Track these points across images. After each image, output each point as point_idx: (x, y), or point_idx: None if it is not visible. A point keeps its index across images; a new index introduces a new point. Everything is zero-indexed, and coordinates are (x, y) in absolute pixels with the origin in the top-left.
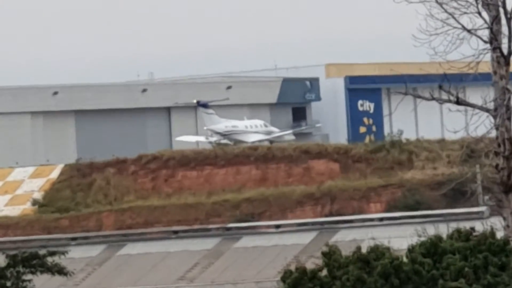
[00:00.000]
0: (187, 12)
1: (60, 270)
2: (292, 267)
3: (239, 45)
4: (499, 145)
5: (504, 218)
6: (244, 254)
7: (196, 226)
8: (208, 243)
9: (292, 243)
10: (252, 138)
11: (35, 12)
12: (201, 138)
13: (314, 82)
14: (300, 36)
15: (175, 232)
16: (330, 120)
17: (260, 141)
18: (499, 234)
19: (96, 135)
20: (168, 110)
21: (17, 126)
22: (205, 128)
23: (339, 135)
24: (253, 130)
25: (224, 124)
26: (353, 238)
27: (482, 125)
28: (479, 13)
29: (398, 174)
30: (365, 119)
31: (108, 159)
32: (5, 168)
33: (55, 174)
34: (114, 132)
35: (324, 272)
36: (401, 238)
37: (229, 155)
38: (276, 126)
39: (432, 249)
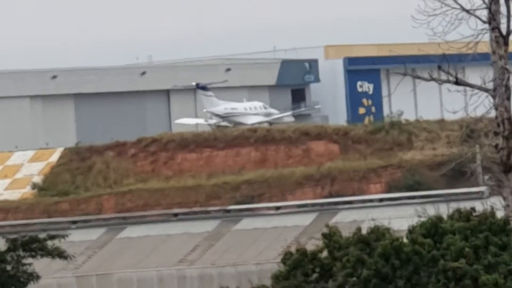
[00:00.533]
0: None
1: (60, 254)
2: (292, 249)
3: (238, 27)
4: (498, 125)
5: (504, 198)
6: (244, 236)
7: (196, 209)
8: (208, 225)
9: (292, 225)
10: (251, 120)
11: None
12: (201, 121)
13: (313, 63)
14: (299, 18)
15: (175, 214)
16: (329, 101)
17: (259, 123)
18: (499, 214)
19: (95, 119)
20: (167, 92)
21: (16, 110)
22: (204, 110)
23: (338, 117)
24: (253, 112)
25: (223, 106)
26: (353, 219)
27: (482, 105)
28: None
29: (398, 154)
30: (365, 100)
31: (107, 142)
32: (5, 152)
33: (54, 157)
34: (114, 115)
35: (325, 254)
36: (401, 218)
37: (228, 137)
38: (275, 108)
39: (432, 229)
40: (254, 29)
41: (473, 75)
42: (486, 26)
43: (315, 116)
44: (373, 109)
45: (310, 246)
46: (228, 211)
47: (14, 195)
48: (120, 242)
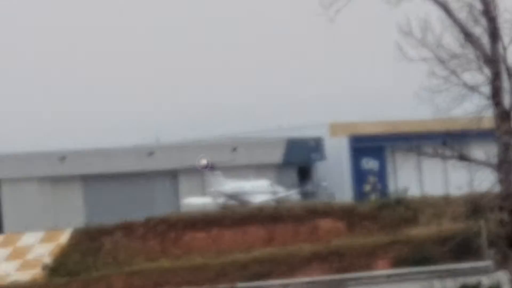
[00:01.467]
0: (179, 72)
1: None
2: None
3: (242, 105)
4: (503, 200)
5: (510, 272)
6: None
7: (205, 287)
8: None
9: None
10: (258, 198)
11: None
12: (208, 200)
13: (318, 141)
14: (302, 95)
15: None
16: (335, 178)
17: (266, 201)
18: None
19: (104, 199)
20: (175, 172)
21: (24, 191)
22: (211, 189)
23: (344, 194)
24: (259, 190)
25: (231, 185)
26: None
27: (486, 180)
28: (481, 70)
29: (404, 230)
30: (370, 177)
31: (116, 222)
32: (14, 233)
33: (64, 238)
34: (122, 196)
35: None
36: None
37: (236, 216)
38: (282, 186)
39: None
40: (257, 107)
41: (477, 151)
42: (490, 102)
43: (321, 193)
44: (378, 186)
45: None
46: None
47: (25, 275)
48: None
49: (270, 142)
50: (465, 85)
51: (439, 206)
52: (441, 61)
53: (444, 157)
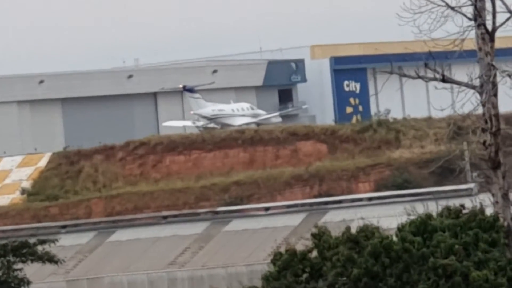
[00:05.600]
0: None
1: (50, 258)
2: (282, 249)
3: (224, 29)
4: (486, 122)
5: (493, 195)
6: (234, 237)
7: (185, 211)
8: (198, 227)
9: (282, 225)
10: (239, 121)
11: (18, 2)
12: (188, 123)
13: (299, 63)
14: (285, 18)
15: (165, 217)
16: (317, 101)
17: (247, 124)
18: (489, 211)
19: (83, 122)
20: (154, 95)
21: (4, 115)
22: (191, 112)
23: (325, 116)
24: (240, 113)
25: (211, 108)
26: (342, 219)
27: (469, 102)
28: None
29: (386, 153)
30: (352, 99)
31: (95, 146)
32: None
33: (43, 162)
34: (101, 119)
35: (314, 253)
36: (390, 217)
37: (216, 139)
38: (262, 108)
39: (421, 227)
40: (240, 31)
41: (460, 73)
42: (472, 23)
43: (302, 116)
44: (360, 108)
45: (300, 246)
46: (217, 212)
47: (3, 200)
48: (110, 245)
49: (250, 64)
50: (447, 5)
51: (421, 128)
52: None
53: (426, 79)
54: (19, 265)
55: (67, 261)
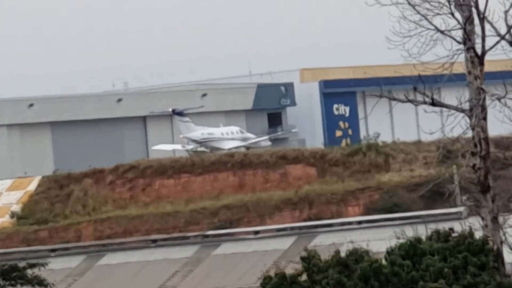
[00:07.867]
0: (159, 21)
1: (40, 282)
2: (272, 273)
3: (214, 52)
4: (475, 145)
5: (482, 218)
6: (223, 261)
7: (175, 234)
8: (188, 251)
9: (271, 249)
10: (228, 145)
11: (8, 24)
12: (178, 146)
13: (288, 87)
14: (274, 41)
15: (154, 240)
16: (306, 124)
17: (236, 147)
18: (478, 234)
19: (72, 146)
20: (144, 119)
21: None
22: (181, 136)
23: (315, 140)
24: (229, 137)
25: (200, 131)
26: (332, 242)
27: (458, 126)
28: (452, 14)
29: (375, 177)
30: (341, 123)
31: (85, 169)
32: None
33: (32, 186)
34: (91, 143)
35: (304, 277)
36: (379, 240)
37: (206, 163)
38: (252, 132)
39: (411, 250)
40: (229, 54)
41: (449, 96)
42: (461, 46)
43: (292, 139)
44: (349, 131)
45: (290, 270)
46: (207, 236)
47: None
48: (99, 269)
49: (240, 88)
50: (436, 29)
51: (410, 151)
52: (412, 5)
53: (415, 102)
54: None
55: (56, 284)
